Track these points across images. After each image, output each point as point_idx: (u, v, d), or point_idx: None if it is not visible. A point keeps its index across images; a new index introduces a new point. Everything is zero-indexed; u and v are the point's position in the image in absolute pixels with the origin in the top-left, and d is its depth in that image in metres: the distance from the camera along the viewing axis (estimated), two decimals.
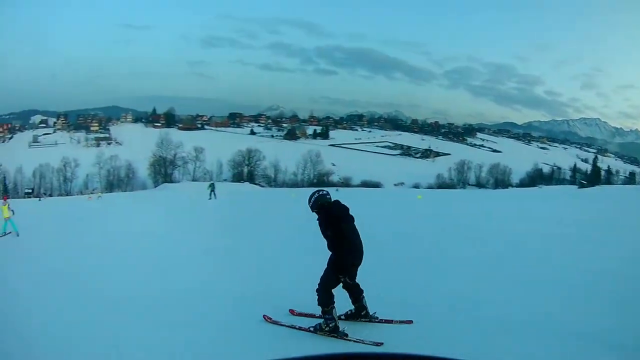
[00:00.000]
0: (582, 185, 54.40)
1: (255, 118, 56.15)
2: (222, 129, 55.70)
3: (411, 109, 60.26)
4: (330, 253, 3.71)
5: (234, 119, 55.96)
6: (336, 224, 3.71)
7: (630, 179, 72.36)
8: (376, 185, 58.61)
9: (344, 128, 57.05)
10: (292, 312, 4.02)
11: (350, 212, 3.79)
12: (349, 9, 69.70)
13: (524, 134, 68.34)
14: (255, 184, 55.78)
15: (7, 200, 11.42)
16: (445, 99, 62.80)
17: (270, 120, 56.09)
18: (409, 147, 58.23)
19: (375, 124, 58.09)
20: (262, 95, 54.72)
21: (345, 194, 39.95)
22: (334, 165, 55.81)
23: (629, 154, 79.77)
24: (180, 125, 55.64)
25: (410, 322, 3.68)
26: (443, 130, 60.18)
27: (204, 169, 54.92)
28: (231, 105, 56.52)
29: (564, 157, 75.02)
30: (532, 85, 77.73)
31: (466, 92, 73.46)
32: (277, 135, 55.67)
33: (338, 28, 78.94)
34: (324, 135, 55.75)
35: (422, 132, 59.33)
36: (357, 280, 3.80)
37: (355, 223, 3.78)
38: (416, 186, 60.60)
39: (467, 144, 61.97)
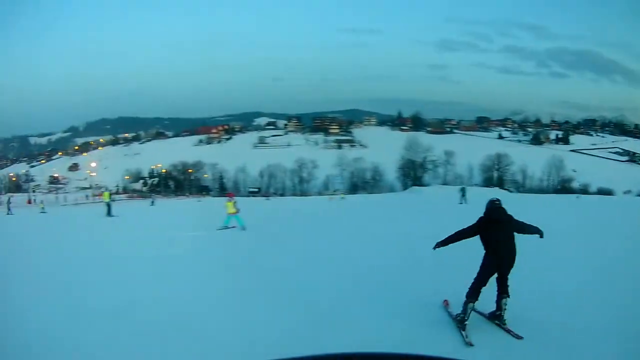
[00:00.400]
0: None
1: (502, 122, 58.48)
2: (471, 132, 57.96)
3: (633, 112, 62.22)
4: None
5: (482, 123, 58.27)
6: (485, 228, 3.86)
7: None
8: (608, 192, 60.46)
9: (581, 133, 59.43)
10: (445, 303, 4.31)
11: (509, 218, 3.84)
12: (565, 9, 69.23)
13: None
14: (504, 189, 58.02)
15: (233, 197, 12.11)
16: None
17: (516, 125, 58.40)
18: (634, 154, 60.62)
19: (607, 128, 60.43)
20: (504, 99, 57.05)
21: (585, 201, 39.44)
22: (574, 171, 58.15)
23: None
24: (429, 129, 57.98)
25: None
26: None
27: (454, 173, 57.37)
28: (476, 109, 59.06)
29: None
30: None
31: None
32: (523, 140, 58.05)
33: (561, 30, 79.08)
34: (565, 140, 58.20)
35: None
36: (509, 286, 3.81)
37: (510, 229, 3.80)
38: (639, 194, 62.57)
39: None
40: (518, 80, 56.44)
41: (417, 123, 58.36)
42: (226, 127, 67.37)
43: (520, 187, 57.75)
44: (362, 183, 59.34)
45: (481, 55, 76.21)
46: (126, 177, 75.23)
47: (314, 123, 61.25)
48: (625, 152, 60.95)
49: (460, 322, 3.75)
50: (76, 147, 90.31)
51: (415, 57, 56.51)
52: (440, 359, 0.72)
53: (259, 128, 66.94)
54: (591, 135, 59.95)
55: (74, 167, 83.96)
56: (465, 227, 3.85)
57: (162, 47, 72.57)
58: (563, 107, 58.09)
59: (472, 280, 3.76)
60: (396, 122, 58.98)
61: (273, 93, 62.21)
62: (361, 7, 65.37)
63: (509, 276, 3.80)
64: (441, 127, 58.58)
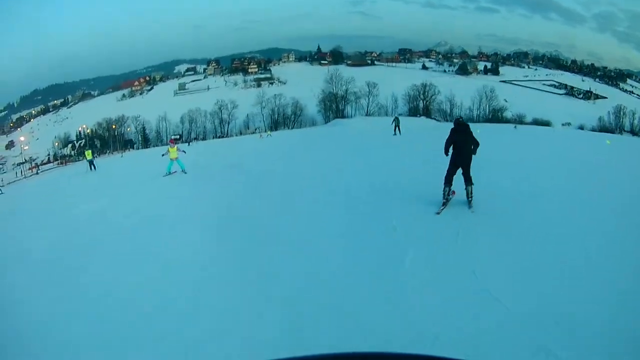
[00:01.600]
0: None
1: (426, 53, 54.96)
2: (393, 64, 54.23)
3: (568, 49, 59.24)
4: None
5: (404, 55, 54.69)
6: (453, 135, 6.25)
7: None
8: (546, 123, 56.74)
9: (512, 65, 55.91)
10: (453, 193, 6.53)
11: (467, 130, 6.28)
12: None
13: None
14: (432, 118, 53.91)
15: (175, 143, 13.28)
16: (596, 42, 61.93)
17: (441, 56, 54.84)
18: (572, 87, 56.92)
19: (540, 62, 57.00)
20: (428, 32, 53.75)
21: (523, 130, 39.32)
22: (506, 101, 54.12)
23: None
24: (349, 62, 54.14)
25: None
26: (598, 72, 59.09)
27: (377, 104, 53.05)
28: (398, 42, 55.60)
29: None
30: None
31: (612, 37, 70.60)
32: (448, 71, 54.29)
33: None
34: (495, 71, 54.65)
35: (581, 73, 58.23)
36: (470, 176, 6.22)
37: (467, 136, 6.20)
38: (581, 127, 59.03)
39: (620, 89, 60.68)
40: (442, 14, 53.82)
41: (336, 57, 54.93)
42: (147, 78, 63.42)
43: (448, 116, 53.27)
44: (282, 119, 54.59)
45: None
46: (56, 143, 70.58)
47: (232, 65, 57.79)
48: (562, 85, 57.26)
49: (445, 202, 6.31)
50: (11, 124, 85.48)
51: None
52: (441, 359, 0.71)
53: (179, 75, 63.09)
54: (523, 67, 56.51)
55: (9, 145, 78.82)
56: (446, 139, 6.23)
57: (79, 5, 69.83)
58: (491, 41, 55.02)
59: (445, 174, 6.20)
60: (315, 57, 55.21)
61: (193, 40, 58.63)
62: None
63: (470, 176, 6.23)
64: (362, 59, 55.12)
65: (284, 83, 56.82)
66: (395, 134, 22.26)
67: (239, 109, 56.49)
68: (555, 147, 17.80)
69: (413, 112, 53.34)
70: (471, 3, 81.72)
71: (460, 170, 6.14)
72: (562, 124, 57.18)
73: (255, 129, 56.16)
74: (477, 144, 6.13)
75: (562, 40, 71.25)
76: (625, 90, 63.15)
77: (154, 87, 65.10)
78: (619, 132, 60.90)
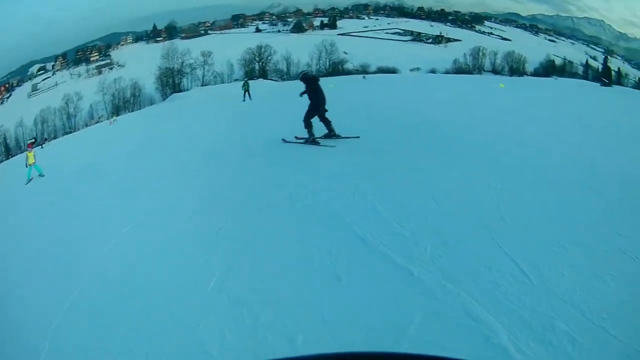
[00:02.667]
0: (604, 84, 51.37)
1: (259, 16, 53.59)
2: (227, 31, 52.83)
3: None
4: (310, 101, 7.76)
5: (237, 21, 53.28)
6: (313, 84, 7.86)
7: None
8: (392, 71, 55.22)
9: (351, 17, 54.69)
10: (284, 140, 8.20)
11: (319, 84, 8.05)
12: None
13: (530, 25, 66.30)
14: (269, 79, 52.19)
15: (32, 148, 13.06)
16: None
17: (274, 17, 53.45)
18: (419, 33, 55.71)
19: (381, 12, 55.95)
20: None
21: (372, 80, 39.38)
22: (346, 53, 52.55)
23: (636, 60, 76.59)
24: (183, 35, 52.66)
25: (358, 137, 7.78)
26: (450, 17, 58.01)
27: (213, 72, 51.29)
28: (232, 9, 54.11)
29: (573, 52, 71.88)
30: None
31: None
32: (283, 30, 52.86)
33: None
34: (332, 25, 53.41)
35: (429, 19, 57.13)
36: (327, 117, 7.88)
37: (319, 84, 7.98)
38: (432, 71, 57.83)
39: (477, 31, 59.62)
40: None
41: (171, 32, 53.52)
42: (6, 85, 61.41)
43: (285, 76, 51.48)
44: (123, 103, 52.69)
45: None
46: None
47: (76, 56, 55.87)
48: (408, 32, 55.87)
49: (313, 141, 7.44)
50: None
51: None
52: (441, 359, 0.70)
53: (31, 77, 61.29)
54: (363, 19, 55.11)
55: None
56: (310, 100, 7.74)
57: None
58: None
59: (304, 120, 7.48)
60: (151, 35, 53.69)
61: (46, 38, 57.09)
62: None
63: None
64: (196, 31, 53.90)
65: (123, 66, 55.19)
66: (244, 99, 20.40)
67: (84, 100, 54.70)
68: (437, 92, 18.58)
69: (250, 75, 51.57)
70: None
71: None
72: (410, 70, 55.60)
73: (99, 117, 54.24)
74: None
75: None
76: (483, 32, 62.08)
77: (12, 93, 63.57)
78: (478, 72, 59.64)
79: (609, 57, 72.20)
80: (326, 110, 7.70)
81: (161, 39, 55.07)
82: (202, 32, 54.27)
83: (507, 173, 5.79)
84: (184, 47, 53.01)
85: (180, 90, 51.21)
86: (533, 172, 5.76)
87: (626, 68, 73.15)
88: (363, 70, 52.22)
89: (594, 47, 73.44)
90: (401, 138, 8.07)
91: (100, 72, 57.41)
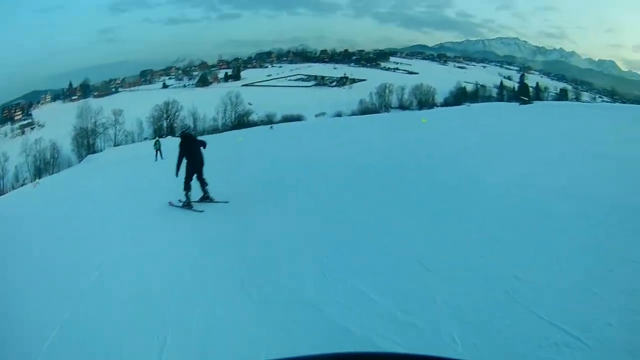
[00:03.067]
0: (523, 102, 53.19)
1: (166, 72, 56.10)
2: (135, 88, 55.47)
3: (317, 42, 60.34)
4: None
5: (145, 77, 55.84)
6: (186, 142, 7.28)
7: (562, 95, 71.79)
8: (298, 118, 57.19)
9: (254, 67, 57.09)
10: (170, 203, 7.78)
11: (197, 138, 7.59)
12: None
13: (438, 55, 68.18)
14: (177, 136, 54.74)
15: None
16: (352, 28, 62.93)
17: (180, 71, 55.96)
18: (322, 77, 58.25)
19: (284, 59, 58.31)
20: (168, 50, 54.83)
21: (280, 130, 40.09)
22: (250, 104, 55.26)
23: (555, 72, 78.49)
24: (96, 93, 55.33)
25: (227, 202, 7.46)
26: (354, 57, 60.20)
27: (124, 132, 54.26)
28: (141, 65, 56.58)
29: (485, 76, 74.34)
30: (441, 8, 76.37)
31: (372, 19, 71.95)
32: (189, 85, 55.54)
33: None
34: (236, 77, 55.90)
35: (333, 62, 59.42)
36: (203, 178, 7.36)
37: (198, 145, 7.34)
38: (338, 114, 59.73)
39: (382, 69, 61.99)
40: (184, 29, 54.72)
41: (85, 90, 55.89)
42: None
43: (193, 131, 54.34)
44: (44, 165, 55.84)
45: (148, 11, 70.09)
46: None
47: (2, 115, 58.51)
48: (312, 77, 58.47)
49: (188, 205, 7.32)
50: None
51: (89, 25, 54.43)
52: (440, 359, 0.70)
53: None
54: (266, 67, 57.53)
55: None
56: (177, 158, 7.17)
57: None
58: (232, 47, 56.06)
59: (183, 181, 7.20)
60: (67, 93, 56.34)
61: None
62: None
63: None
64: (107, 88, 56.49)
65: (43, 126, 58.01)
66: (157, 159, 19.63)
67: (10, 161, 57.35)
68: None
69: (159, 132, 54.45)
70: (214, 12, 79.35)
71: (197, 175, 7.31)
72: (316, 115, 58.05)
73: (24, 180, 57.30)
74: (204, 145, 7.32)
75: (309, 34, 71.21)
76: (388, 69, 64.42)
77: None
78: (385, 110, 62.15)
79: (525, 74, 74.50)
80: (200, 171, 7.24)
81: (76, 97, 57.42)
82: (113, 89, 56.71)
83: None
84: (97, 105, 55.32)
85: (95, 151, 54.18)
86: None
87: (545, 82, 75.74)
88: (269, 120, 54.59)
89: (508, 67, 75.74)
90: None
91: (23, 132, 59.91)
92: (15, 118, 61.23)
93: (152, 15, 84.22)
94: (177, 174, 7.19)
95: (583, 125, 16.40)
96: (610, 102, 65.09)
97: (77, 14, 73.44)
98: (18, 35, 65.90)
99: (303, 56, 58.60)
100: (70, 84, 58.24)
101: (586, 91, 73.26)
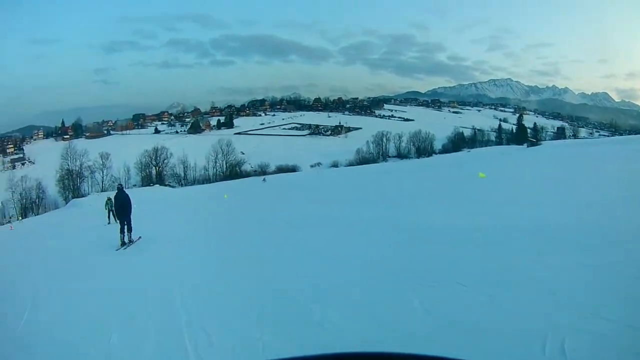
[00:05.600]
0: (532, 144, 50.58)
1: (158, 117, 54.60)
2: (127, 132, 53.94)
3: (309, 90, 58.78)
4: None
5: (138, 121, 54.33)
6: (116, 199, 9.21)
7: (560, 134, 69.24)
8: (292, 169, 54.24)
9: (247, 115, 55.39)
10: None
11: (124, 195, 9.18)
12: None
13: (432, 101, 65.92)
14: (166, 185, 52.71)
15: None
16: (343, 75, 61.33)
17: (173, 117, 54.38)
18: (317, 126, 56.31)
19: (278, 107, 56.50)
20: (162, 94, 53.52)
21: (273, 181, 36.58)
22: (243, 154, 53.11)
23: (550, 110, 76.06)
24: (87, 134, 53.86)
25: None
26: (348, 105, 58.20)
27: (111, 177, 52.26)
28: (134, 108, 55.29)
29: (480, 119, 72.24)
30: (433, 53, 74.76)
31: (364, 66, 70.93)
32: (181, 131, 53.85)
33: (229, 16, 75.70)
34: (229, 124, 54.10)
35: (326, 110, 57.40)
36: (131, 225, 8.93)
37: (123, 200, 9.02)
38: (335, 165, 56.94)
39: (376, 116, 59.84)
40: (177, 73, 53.38)
41: (77, 130, 54.58)
42: None
43: (182, 180, 52.54)
44: (30, 204, 54.06)
45: (143, 53, 71.16)
46: None
47: None
48: (306, 126, 56.50)
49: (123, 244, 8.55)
50: None
51: (84, 63, 53.76)
52: (441, 359, 0.70)
53: None
54: (260, 115, 55.74)
55: None
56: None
57: None
58: (225, 94, 55.05)
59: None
60: (59, 132, 55.03)
61: None
62: (39, 16, 61.16)
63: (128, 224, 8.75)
64: (99, 130, 55.21)
65: (33, 163, 56.73)
66: (109, 222, 15.10)
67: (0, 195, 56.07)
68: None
69: (147, 180, 52.58)
70: (206, 58, 79.73)
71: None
72: (311, 166, 55.64)
73: (10, 217, 55.79)
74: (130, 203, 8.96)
75: (301, 82, 70.58)
76: (383, 116, 62.33)
77: None
78: (383, 159, 59.66)
79: (522, 115, 71.71)
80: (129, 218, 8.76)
81: (68, 136, 56.23)
82: (105, 131, 55.39)
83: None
84: (86, 147, 53.86)
85: (80, 195, 52.22)
86: None
87: (541, 121, 72.99)
88: (262, 171, 52.24)
89: (502, 109, 73.49)
90: None
91: (14, 167, 58.86)
92: (8, 151, 60.18)
93: (146, 58, 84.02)
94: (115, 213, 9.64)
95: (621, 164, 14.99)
96: (609, 135, 62.76)
97: (71, 51, 73.19)
98: (10, 62, 65.61)
99: (296, 104, 56.94)
100: (63, 123, 57.08)
101: (583, 127, 70.93)
